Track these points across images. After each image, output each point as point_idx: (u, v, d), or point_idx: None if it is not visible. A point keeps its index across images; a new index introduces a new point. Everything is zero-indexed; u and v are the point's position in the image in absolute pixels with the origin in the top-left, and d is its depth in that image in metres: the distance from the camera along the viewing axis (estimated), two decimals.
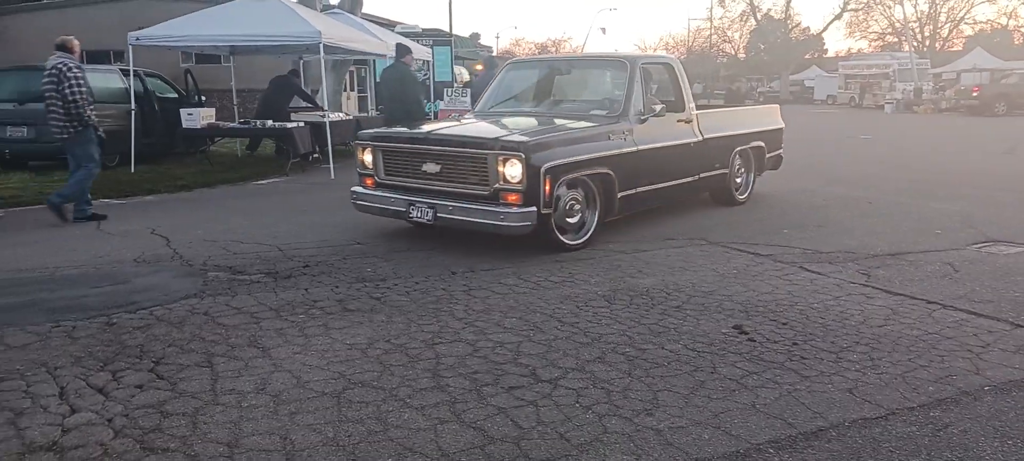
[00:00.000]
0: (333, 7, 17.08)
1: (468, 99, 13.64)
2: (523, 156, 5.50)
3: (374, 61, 19.09)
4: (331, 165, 11.07)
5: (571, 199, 5.99)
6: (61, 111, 7.15)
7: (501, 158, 5.56)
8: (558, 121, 6.70)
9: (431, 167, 6.01)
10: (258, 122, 11.58)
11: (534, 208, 5.54)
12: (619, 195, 6.30)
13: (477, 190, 5.74)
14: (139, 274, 5.27)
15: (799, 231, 6.85)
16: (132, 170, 10.79)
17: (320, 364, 3.55)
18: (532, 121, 6.81)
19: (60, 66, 7.14)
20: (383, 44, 13.30)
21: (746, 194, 8.40)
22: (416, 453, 2.72)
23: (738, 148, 8.10)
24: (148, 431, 2.85)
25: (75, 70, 7.15)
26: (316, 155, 11.69)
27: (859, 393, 3.24)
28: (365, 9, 17.99)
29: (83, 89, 7.16)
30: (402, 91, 9.26)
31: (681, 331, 4.05)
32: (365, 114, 18.39)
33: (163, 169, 11.26)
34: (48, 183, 9.57)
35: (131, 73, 11.38)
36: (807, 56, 58.31)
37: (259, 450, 2.72)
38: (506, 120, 6.96)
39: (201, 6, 14.56)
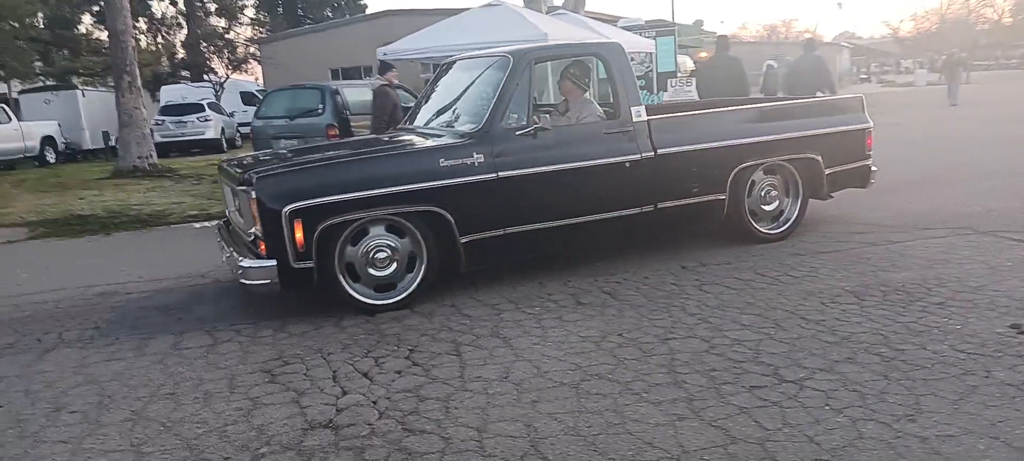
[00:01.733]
0: (557, 8, 17.47)
1: (693, 89, 13.33)
2: (253, 195, 4.37)
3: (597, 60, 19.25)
4: None
5: (378, 247, 4.61)
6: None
7: (245, 196, 4.51)
8: (404, 139, 5.48)
9: (231, 203, 5.20)
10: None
11: (274, 262, 4.38)
12: (463, 241, 4.72)
13: (248, 234, 4.69)
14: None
15: None
16: None
17: (557, 355, 3.67)
18: (352, 145, 5.79)
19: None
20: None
21: (784, 226, 5.80)
22: (656, 448, 2.71)
23: (750, 163, 5.55)
24: (407, 413, 3.11)
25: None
26: None
27: None
28: (588, 7, 18.19)
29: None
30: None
31: (946, 330, 3.66)
32: None
33: None
34: None
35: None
36: None
37: (505, 436, 2.87)
38: (348, 142, 6.29)
39: (440, 17, 15.58)
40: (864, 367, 3.30)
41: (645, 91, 17.39)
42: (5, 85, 19.39)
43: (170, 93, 25.79)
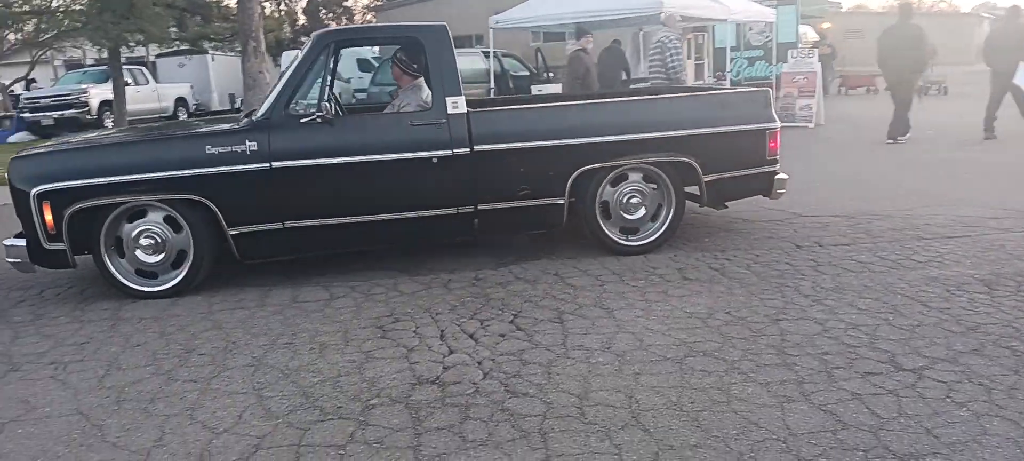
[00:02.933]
0: None
1: (815, 60, 12.74)
2: (5, 174, 4.45)
3: (713, 27, 18.68)
4: None
5: (139, 231, 4.51)
6: (663, 77, 8.45)
7: None
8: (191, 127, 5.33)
9: None
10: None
11: (23, 242, 4.45)
12: (233, 233, 4.53)
13: None
14: (502, 235, 5.83)
15: None
16: None
17: (661, 329, 3.63)
18: (138, 131, 5.59)
19: (663, 39, 8.45)
20: (725, 9, 12.93)
21: (650, 238, 5.06)
22: (762, 429, 2.66)
23: (596, 166, 4.85)
24: (510, 376, 3.17)
25: (676, 41, 8.47)
26: None
27: None
28: None
29: (681, 59, 8.52)
30: None
31: None
32: (701, 81, 18.09)
33: None
34: None
35: (491, 54, 12.50)
36: None
37: (606, 405, 2.88)
38: (142, 128, 5.99)
39: None
40: (992, 360, 3.11)
41: (763, 61, 16.79)
42: (144, 49, 20.75)
43: (290, 58, 26.82)
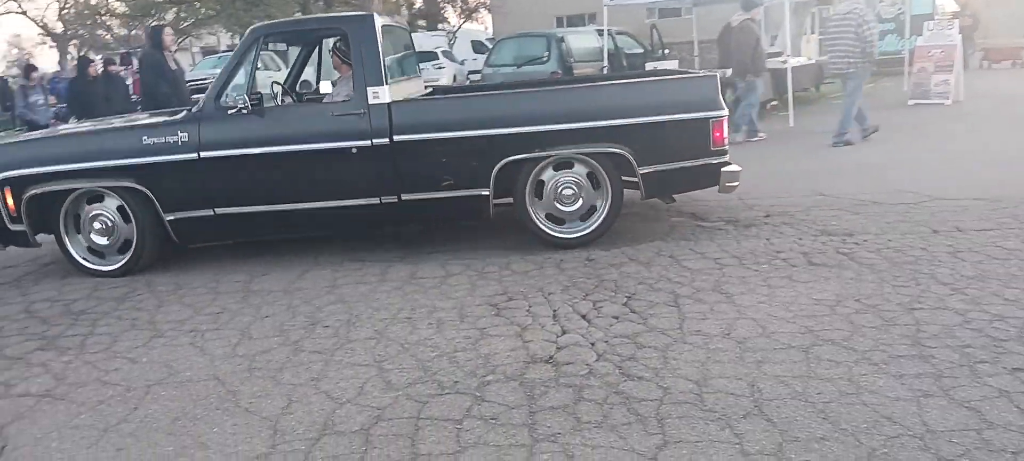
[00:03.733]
0: None
1: (954, 32, 11.85)
2: None
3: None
4: (790, 112, 10.64)
5: (94, 215, 4.88)
6: (852, 47, 8.30)
7: None
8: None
9: None
10: (719, 71, 11.67)
11: None
12: (169, 218, 4.79)
13: None
14: None
15: None
16: None
17: (785, 316, 3.49)
18: (100, 122, 5.63)
19: (857, 10, 8.35)
20: None
21: (584, 231, 4.86)
22: (895, 423, 2.50)
23: (522, 156, 4.70)
24: (625, 359, 3.13)
25: (868, 14, 8.37)
26: (774, 102, 11.37)
27: None
28: None
29: (875, 31, 8.39)
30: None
31: None
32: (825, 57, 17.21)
33: None
34: None
35: (605, 32, 12.34)
36: None
37: (726, 393, 2.79)
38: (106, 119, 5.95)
39: None
40: None
41: (895, 34, 15.77)
42: None
43: None
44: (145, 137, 4.78)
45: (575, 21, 27.84)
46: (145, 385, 3.20)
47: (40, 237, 5.03)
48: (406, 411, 2.81)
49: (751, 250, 4.57)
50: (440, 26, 31.04)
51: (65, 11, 38.57)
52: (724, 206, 5.77)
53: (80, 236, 4.98)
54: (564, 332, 3.47)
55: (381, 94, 4.71)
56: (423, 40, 27.45)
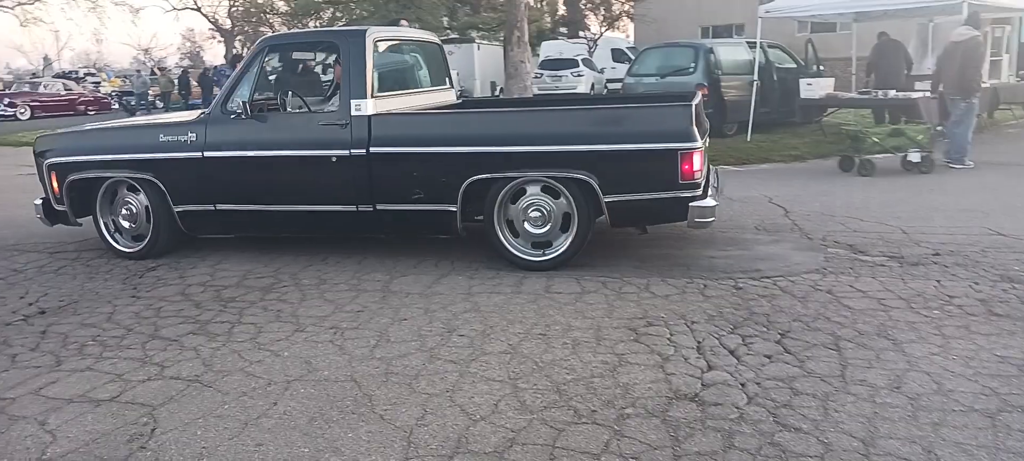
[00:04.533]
0: None
1: None
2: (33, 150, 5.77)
3: (1020, 19, 16.13)
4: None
5: (127, 204, 5.50)
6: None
7: None
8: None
9: None
10: (879, 92, 10.88)
11: (40, 201, 5.73)
12: (178, 210, 5.28)
13: None
14: (759, 242, 5.44)
15: None
16: (748, 139, 11.30)
17: (964, 373, 3.10)
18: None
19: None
20: None
21: (552, 255, 4.77)
22: None
23: (489, 176, 4.67)
24: (779, 405, 2.87)
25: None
26: (939, 128, 10.47)
27: None
28: None
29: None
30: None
31: None
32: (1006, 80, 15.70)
33: (776, 138, 11.50)
34: None
35: (757, 45, 11.80)
36: None
37: (898, 456, 2.49)
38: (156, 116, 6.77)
39: None
40: None
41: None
42: None
43: (549, 48, 27.61)
44: (162, 135, 5.28)
45: (721, 31, 27.01)
46: (285, 380, 3.25)
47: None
48: (541, 437, 2.69)
49: (920, 292, 4.15)
50: (581, 34, 30.94)
51: (234, 8, 41.46)
52: (886, 239, 5.31)
53: (112, 219, 5.61)
54: (710, 367, 3.25)
55: (363, 107, 4.89)
56: (563, 48, 27.53)
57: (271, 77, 5.91)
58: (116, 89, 33.16)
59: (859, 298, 4.08)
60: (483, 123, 5.05)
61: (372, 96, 4.93)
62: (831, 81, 11.90)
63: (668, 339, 3.59)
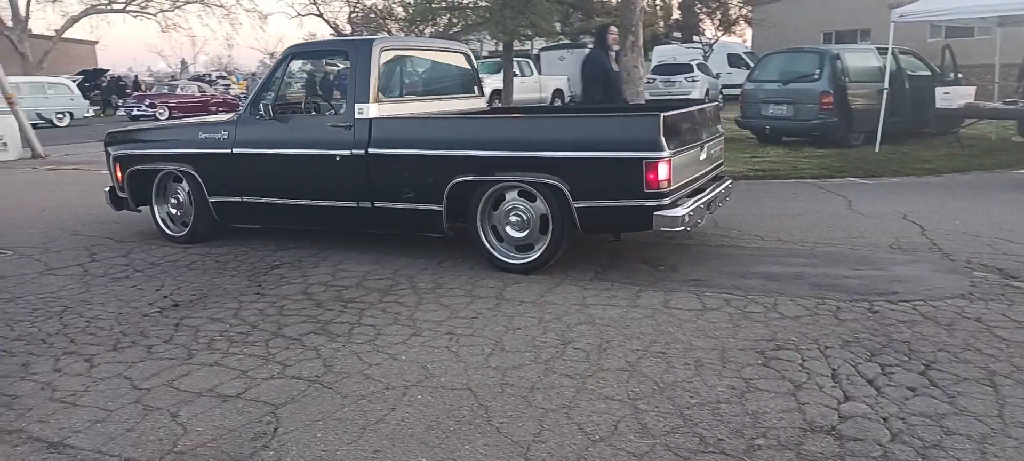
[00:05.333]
0: None
1: None
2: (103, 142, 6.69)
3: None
4: None
5: (175, 194, 6.21)
6: None
7: None
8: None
9: None
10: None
11: (108, 189, 6.59)
12: (212, 201, 5.94)
13: None
14: (895, 261, 5.07)
15: None
16: (876, 150, 10.66)
17: None
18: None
19: None
20: None
21: (529, 258, 4.97)
22: None
23: (470, 178, 4.95)
24: (929, 445, 2.63)
25: None
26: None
27: None
28: None
29: None
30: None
31: None
32: None
33: (907, 150, 10.79)
34: (800, 158, 10.23)
35: (888, 51, 11.13)
36: None
37: None
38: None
39: None
40: None
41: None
42: (531, 43, 22.48)
43: (662, 53, 27.13)
44: (201, 133, 5.94)
45: (845, 37, 25.72)
46: (403, 385, 3.25)
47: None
48: None
49: None
50: (695, 39, 30.21)
51: (354, 14, 42.96)
52: None
53: (165, 206, 6.36)
54: (847, 398, 3.02)
55: (366, 110, 5.26)
56: (677, 52, 26.98)
57: (294, 82, 6.62)
58: (243, 91, 35.03)
59: (1015, 329, 3.72)
60: (467, 128, 5.32)
61: (376, 101, 5.31)
62: (972, 90, 11.09)
63: (800, 365, 3.37)
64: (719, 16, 29.86)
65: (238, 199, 5.84)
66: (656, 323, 3.95)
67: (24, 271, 5.45)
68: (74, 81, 28.29)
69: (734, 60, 27.37)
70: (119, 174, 6.36)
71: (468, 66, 6.67)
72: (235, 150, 5.72)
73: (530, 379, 3.28)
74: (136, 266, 5.53)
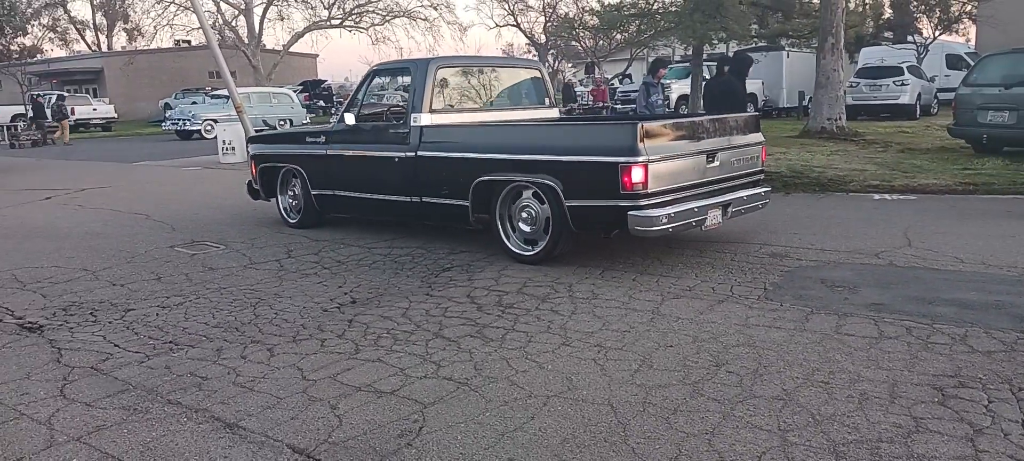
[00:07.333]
0: None
1: None
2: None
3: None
4: None
5: (293, 186, 7.60)
6: None
7: None
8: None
9: None
10: None
11: (247, 182, 8.27)
12: (313, 194, 7.19)
13: None
14: None
15: None
16: None
17: None
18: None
19: None
20: None
21: (534, 250, 5.67)
22: None
23: (491, 177, 5.73)
24: None
25: None
26: None
27: None
28: None
29: None
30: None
31: None
32: None
33: None
34: (1022, 171, 9.08)
35: None
36: None
37: None
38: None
39: None
40: None
41: None
42: (724, 46, 21.72)
43: (869, 55, 25.15)
44: (308, 137, 7.34)
45: None
46: (545, 395, 3.28)
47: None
48: None
49: None
50: (909, 38, 27.69)
51: (548, 23, 43.81)
52: None
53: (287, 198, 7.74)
54: None
55: (420, 119, 6.25)
56: (886, 54, 24.88)
57: (375, 94, 7.77)
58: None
59: None
60: (486, 135, 6.08)
61: (429, 111, 6.27)
62: None
63: (985, 407, 3.01)
64: (938, 13, 27.23)
65: (331, 192, 7.08)
66: (823, 350, 3.69)
67: (231, 264, 6.11)
68: (295, 91, 31.21)
69: (953, 61, 24.84)
70: (254, 169, 7.86)
71: (537, 80, 7.54)
72: (329, 151, 6.98)
73: (675, 400, 3.19)
74: (325, 264, 6.02)
